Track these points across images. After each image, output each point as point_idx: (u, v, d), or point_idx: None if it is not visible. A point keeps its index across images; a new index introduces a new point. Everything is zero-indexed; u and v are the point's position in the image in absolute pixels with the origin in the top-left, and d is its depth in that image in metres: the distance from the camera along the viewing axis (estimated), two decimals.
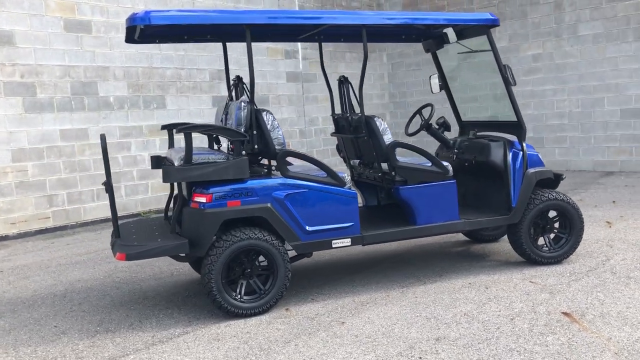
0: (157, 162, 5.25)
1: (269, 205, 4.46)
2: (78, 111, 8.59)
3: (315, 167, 4.83)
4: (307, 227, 4.59)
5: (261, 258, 4.55)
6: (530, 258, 5.26)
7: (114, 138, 8.94)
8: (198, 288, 5.26)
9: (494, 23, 5.12)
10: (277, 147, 4.61)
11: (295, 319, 4.34)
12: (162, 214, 6.45)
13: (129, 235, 4.67)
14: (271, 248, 4.44)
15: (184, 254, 4.43)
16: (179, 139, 7.29)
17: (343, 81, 5.37)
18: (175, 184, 4.88)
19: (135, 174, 9.32)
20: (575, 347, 3.53)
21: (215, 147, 5.42)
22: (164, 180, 4.33)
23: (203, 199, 4.37)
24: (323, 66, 5.72)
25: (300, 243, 4.58)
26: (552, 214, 5.39)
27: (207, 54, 10.18)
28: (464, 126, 6.02)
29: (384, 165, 5.09)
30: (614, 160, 10.80)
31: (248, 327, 4.23)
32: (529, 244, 5.22)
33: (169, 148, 5.29)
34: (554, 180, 5.40)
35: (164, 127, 5.37)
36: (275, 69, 11.34)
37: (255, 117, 4.64)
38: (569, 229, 5.31)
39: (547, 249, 5.30)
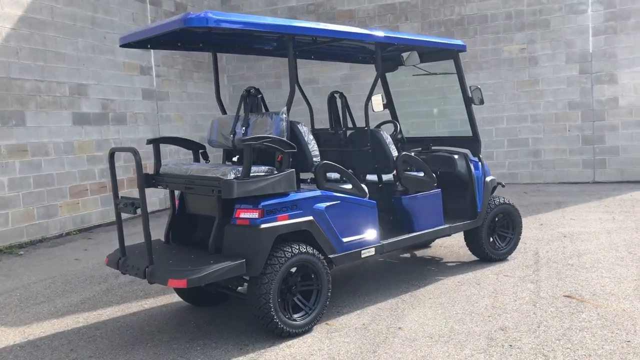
0: (147, 180, 4.73)
1: (312, 218, 4.38)
2: None
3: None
4: (343, 239, 4.61)
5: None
6: (486, 256, 5.99)
7: None
8: (198, 315, 4.82)
9: (462, 49, 5.78)
10: (314, 160, 4.54)
11: (347, 331, 4.32)
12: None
13: (163, 261, 4.13)
14: (317, 262, 4.36)
15: (240, 275, 4.09)
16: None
17: (336, 97, 5.49)
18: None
19: None
20: (611, 319, 4.25)
21: (203, 161, 5.07)
22: (226, 196, 3.98)
23: (254, 215, 4.11)
24: (298, 82, 5.74)
25: (337, 255, 4.57)
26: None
27: (67, 65, 9.08)
28: (410, 142, 6.56)
29: (386, 177, 5.33)
30: None
31: (311, 346, 4.09)
32: (487, 244, 5.95)
33: (156, 163, 4.78)
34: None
35: (149, 142, 4.83)
36: (132, 85, 10.57)
37: (291, 129, 4.52)
38: (511, 228, 6.19)
39: (498, 247, 6.09)
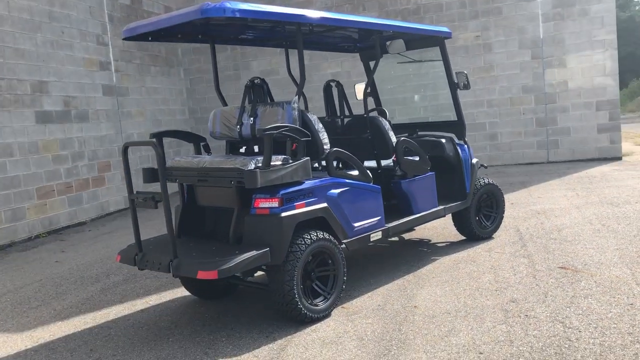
0: (153, 174, 4.70)
1: (326, 205, 4.46)
2: None
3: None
4: (354, 224, 4.71)
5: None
6: (474, 235, 6.25)
7: None
8: (210, 308, 4.82)
9: (448, 36, 5.97)
10: (325, 147, 4.61)
11: (366, 312, 4.43)
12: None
13: (185, 254, 4.10)
14: (334, 248, 4.45)
15: (264, 265, 4.12)
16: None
17: (331, 85, 5.56)
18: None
19: None
20: (608, 285, 4.55)
21: (205, 153, 5.05)
22: (249, 186, 4.00)
23: (274, 204, 4.15)
24: (290, 71, 5.79)
25: (350, 240, 4.67)
26: None
27: (27, 62, 8.71)
28: (396, 127, 6.71)
29: (384, 162, 5.46)
30: None
31: (336, 328, 4.18)
32: (475, 223, 6.21)
33: (158, 157, 4.73)
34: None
35: (153, 135, 4.77)
36: (92, 81, 10.25)
37: (302, 118, 4.57)
38: (495, 207, 6.47)
39: (484, 225, 6.36)
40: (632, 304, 4.13)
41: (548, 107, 11.98)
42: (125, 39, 4.57)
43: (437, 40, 6.00)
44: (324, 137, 4.63)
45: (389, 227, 5.06)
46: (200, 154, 5.09)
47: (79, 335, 4.49)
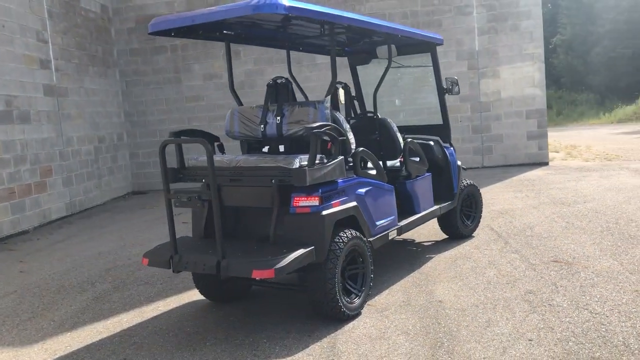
0: (174, 174, 4.56)
1: (356, 203, 4.52)
2: None
3: None
4: (376, 222, 4.80)
5: None
6: (458, 234, 6.54)
7: None
8: (231, 312, 4.71)
9: (441, 42, 6.23)
10: (352, 147, 4.66)
11: (395, 309, 4.53)
12: None
13: (231, 254, 3.99)
14: (364, 246, 4.52)
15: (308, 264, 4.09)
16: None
17: (339, 87, 5.61)
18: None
19: None
20: (606, 275, 4.96)
21: (220, 153, 4.95)
22: (298, 184, 3.98)
23: (314, 202, 4.16)
24: (291, 72, 5.79)
25: (374, 239, 4.75)
26: None
27: None
28: None
29: (391, 162, 5.59)
30: None
31: (375, 325, 4.25)
32: (460, 223, 6.50)
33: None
34: None
35: (172, 134, 4.61)
36: (33, 80, 9.58)
37: (332, 118, 4.59)
38: (474, 207, 6.81)
39: (466, 224, 6.67)
40: (637, 290, 4.54)
41: (483, 115, 12.71)
42: (150, 33, 4.39)
43: (429, 46, 6.25)
44: (351, 136, 4.69)
45: (402, 226, 5.20)
46: (215, 153, 4.98)
47: (101, 345, 4.23)
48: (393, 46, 5.79)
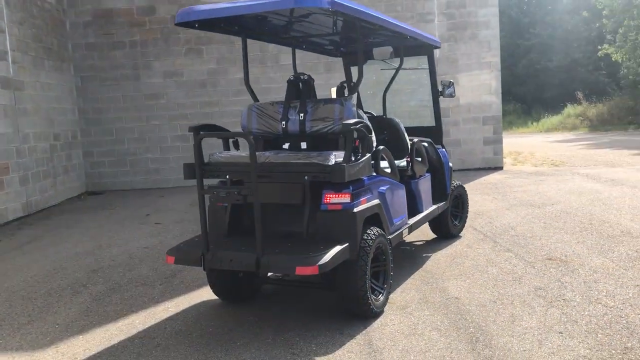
0: (193, 170, 4.43)
1: (379, 201, 4.54)
2: None
3: None
4: (394, 220, 4.84)
5: None
6: (448, 234, 6.69)
7: None
8: (248, 311, 4.62)
9: (439, 45, 6.35)
10: (373, 145, 4.67)
11: (416, 306, 4.58)
12: None
13: (270, 250, 3.90)
14: (387, 243, 4.54)
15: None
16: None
17: (344, 87, 5.60)
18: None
19: None
20: (602, 271, 5.21)
21: (234, 149, 4.86)
22: (336, 180, 3.96)
23: (345, 199, 4.15)
24: (295, 71, 5.73)
25: (392, 236, 4.79)
26: None
27: None
28: None
29: (396, 162, 5.64)
30: None
31: (402, 322, 4.28)
32: (451, 223, 6.66)
33: (196, 152, 4.45)
34: None
35: (192, 129, 4.47)
36: None
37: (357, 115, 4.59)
38: (461, 207, 6.99)
39: (454, 224, 6.84)
40: (637, 285, 4.81)
41: (443, 120, 13.03)
42: (177, 24, 4.25)
43: (427, 49, 6.36)
44: (373, 134, 4.71)
45: (411, 224, 5.27)
46: (229, 149, 4.87)
47: (122, 348, 4.04)
48: (390, 47, 5.88)
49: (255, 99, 5.22)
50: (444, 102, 12.82)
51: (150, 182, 12.78)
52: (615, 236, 6.46)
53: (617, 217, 7.37)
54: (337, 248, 3.91)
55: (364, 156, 4.33)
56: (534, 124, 33.37)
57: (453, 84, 6.45)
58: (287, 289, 5.13)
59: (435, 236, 6.83)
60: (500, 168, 13.18)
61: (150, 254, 6.76)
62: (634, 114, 30.99)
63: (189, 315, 4.63)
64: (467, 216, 7.05)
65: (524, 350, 3.68)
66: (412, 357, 3.68)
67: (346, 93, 6.46)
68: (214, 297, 5.00)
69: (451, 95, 6.47)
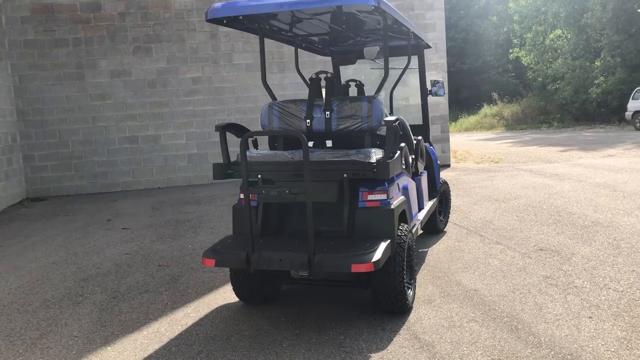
0: (224, 170, 4.33)
1: (404, 198, 4.61)
2: None
3: None
4: (413, 216, 4.92)
5: None
6: (436, 229, 6.88)
7: None
8: (273, 313, 4.55)
9: (430, 46, 6.50)
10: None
11: (440, 301, 4.68)
12: None
13: (321, 248, 3.85)
14: (412, 238, 4.61)
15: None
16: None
17: (350, 85, 5.62)
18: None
19: None
20: (594, 259, 5.54)
21: (254, 149, 4.77)
22: (383, 176, 3.96)
23: (383, 196, 4.19)
24: (298, 69, 5.69)
25: (413, 232, 4.86)
26: None
27: None
28: None
29: None
30: None
31: (437, 316, 4.37)
32: (438, 218, 6.85)
33: (223, 151, 4.34)
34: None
35: (218, 128, 4.34)
36: None
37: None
38: (445, 204, 7.20)
39: (440, 220, 7.04)
40: (634, 270, 5.16)
41: None
42: (208, 20, 4.10)
43: (419, 49, 6.50)
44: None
45: (420, 220, 5.38)
46: (248, 148, 4.77)
47: (161, 357, 3.86)
48: (377, 47, 5.99)
49: (274, 97, 5.13)
50: (395, 101, 13.14)
51: (97, 187, 12.18)
52: (588, 226, 6.88)
53: (580, 209, 7.85)
54: (384, 244, 3.94)
55: (397, 154, 4.39)
56: (453, 123, 34.77)
57: (442, 83, 6.63)
58: (299, 289, 5.09)
59: (421, 232, 7.00)
60: (448, 166, 13.66)
61: (135, 260, 6.47)
62: (545, 114, 33.08)
63: (215, 319, 4.49)
64: (449, 212, 7.27)
65: (566, 336, 3.87)
66: (464, 349, 3.77)
67: (323, 84, 6.49)
68: (230, 300, 4.88)
69: (440, 95, 6.64)
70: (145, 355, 3.90)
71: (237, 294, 4.64)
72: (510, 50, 42.33)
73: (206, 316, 4.58)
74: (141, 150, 12.34)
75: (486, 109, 36.82)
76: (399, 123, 4.29)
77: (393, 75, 6.83)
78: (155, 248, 6.99)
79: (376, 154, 4.12)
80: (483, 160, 15.19)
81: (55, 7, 11.75)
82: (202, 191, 11.71)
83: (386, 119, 4.17)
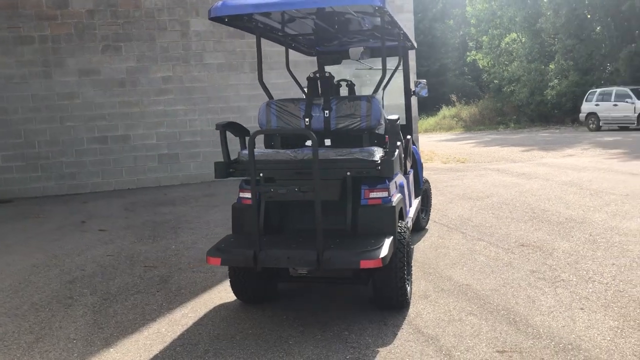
0: (226, 169, 4.33)
1: (401, 195, 4.70)
2: None
3: None
4: (407, 213, 5.02)
5: None
6: (419, 227, 7.01)
7: None
8: (274, 312, 4.57)
9: (415, 47, 6.61)
10: None
11: (437, 295, 4.79)
12: None
13: (327, 245, 3.89)
14: (409, 236, 4.70)
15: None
16: None
17: (342, 85, 5.67)
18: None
19: None
20: (575, 254, 5.76)
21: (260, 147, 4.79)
22: (387, 174, 4.03)
23: (384, 194, 4.26)
24: (289, 68, 5.71)
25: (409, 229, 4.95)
26: None
27: None
28: None
29: None
30: None
31: (435, 310, 4.47)
32: (422, 216, 6.98)
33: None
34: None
35: (218, 127, 4.33)
36: None
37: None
38: (426, 202, 7.34)
39: (423, 218, 7.17)
40: (614, 264, 5.39)
41: None
42: (211, 19, 4.08)
43: (403, 49, 6.60)
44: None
45: (411, 216, 5.48)
46: (245, 147, 4.77)
47: (167, 357, 3.82)
48: (362, 48, 6.08)
49: (270, 96, 5.14)
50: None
51: (65, 188, 11.88)
52: (563, 223, 7.14)
53: (553, 206, 8.13)
54: (388, 241, 4.01)
55: (396, 152, 4.47)
56: None
57: (425, 83, 6.76)
58: (295, 287, 5.12)
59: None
60: None
61: (119, 261, 6.37)
62: (502, 115, 33.98)
63: (215, 319, 4.48)
64: (430, 209, 7.42)
65: (563, 327, 4.03)
66: (468, 341, 3.87)
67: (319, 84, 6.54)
68: (226, 300, 4.88)
69: (423, 95, 6.77)
70: (151, 356, 3.86)
71: (235, 293, 4.63)
72: (467, 53, 43.33)
73: (205, 316, 4.56)
74: (111, 150, 12.10)
75: (445, 111, 37.54)
76: (398, 122, 4.38)
77: (376, 75, 6.98)
78: (137, 249, 6.89)
79: (378, 153, 4.19)
80: (449, 160, 15.51)
81: (19, 2, 11.40)
82: (174, 192, 11.57)
83: (389, 117, 4.25)
